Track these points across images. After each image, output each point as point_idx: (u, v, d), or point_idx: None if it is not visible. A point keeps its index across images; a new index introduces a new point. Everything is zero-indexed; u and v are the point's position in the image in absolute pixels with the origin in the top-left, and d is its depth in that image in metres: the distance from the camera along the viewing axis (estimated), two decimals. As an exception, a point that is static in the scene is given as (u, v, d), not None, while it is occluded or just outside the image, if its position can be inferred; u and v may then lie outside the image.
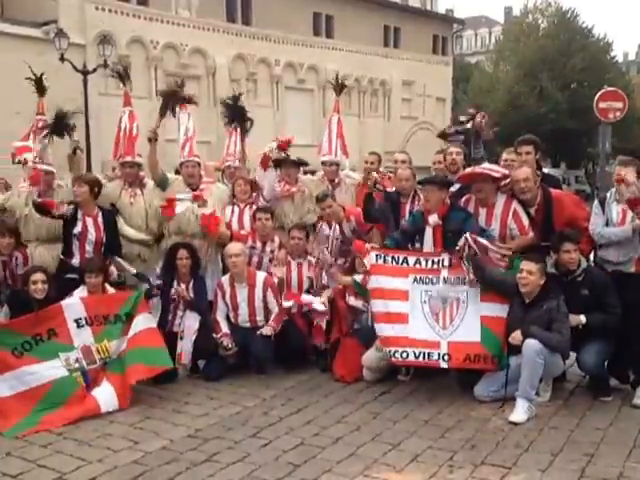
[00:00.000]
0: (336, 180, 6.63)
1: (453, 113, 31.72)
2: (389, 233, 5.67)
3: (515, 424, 4.39)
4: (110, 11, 22.80)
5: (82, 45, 21.18)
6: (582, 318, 4.71)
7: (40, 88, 6.23)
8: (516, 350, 4.67)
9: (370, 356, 5.24)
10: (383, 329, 5.00)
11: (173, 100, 6.19)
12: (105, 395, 4.84)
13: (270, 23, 26.14)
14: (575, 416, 4.56)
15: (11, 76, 18.12)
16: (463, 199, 5.41)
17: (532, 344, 4.52)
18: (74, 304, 5.10)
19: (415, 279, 5.07)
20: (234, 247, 5.62)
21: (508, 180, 5.18)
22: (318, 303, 5.69)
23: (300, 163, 6.57)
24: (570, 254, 4.79)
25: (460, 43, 48.40)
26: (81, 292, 5.27)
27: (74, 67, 18.32)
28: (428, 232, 5.24)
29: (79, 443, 4.24)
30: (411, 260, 5.12)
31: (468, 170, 5.44)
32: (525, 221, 5.14)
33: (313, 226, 6.33)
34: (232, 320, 5.67)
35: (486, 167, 5.32)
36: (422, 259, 5.11)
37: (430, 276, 5.05)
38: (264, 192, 6.31)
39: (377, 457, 3.95)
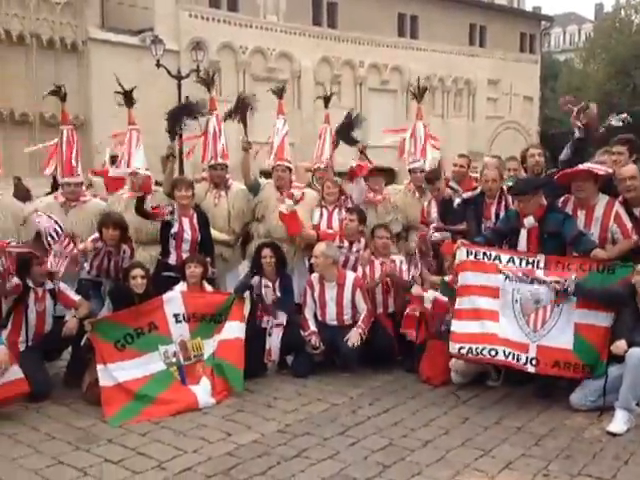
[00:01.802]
0: (423, 186, 6.61)
1: (541, 112, 30.77)
2: (470, 235, 5.57)
3: (613, 435, 4.23)
4: (202, 18, 23.61)
5: (176, 51, 22.05)
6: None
7: (129, 100, 6.44)
8: (617, 359, 4.48)
9: (459, 359, 5.18)
10: (465, 326, 4.88)
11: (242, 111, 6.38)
12: (203, 391, 4.98)
13: (355, 25, 26.23)
14: (680, 428, 4.34)
15: (112, 82, 18.99)
16: (561, 200, 5.24)
17: (637, 352, 4.32)
18: (174, 298, 5.30)
19: (507, 277, 4.92)
20: (316, 249, 5.70)
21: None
22: (418, 288, 5.62)
23: (386, 171, 6.60)
24: None
25: (548, 40, 46.77)
26: (181, 287, 5.49)
27: (169, 72, 19.10)
28: (523, 234, 5.11)
29: (176, 433, 4.40)
30: (504, 258, 5.00)
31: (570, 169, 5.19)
32: (628, 224, 4.90)
33: (397, 235, 6.35)
34: (319, 318, 5.75)
35: (588, 165, 5.08)
36: (516, 257, 4.98)
37: (524, 275, 4.89)
38: (354, 196, 6.38)
39: (468, 462, 3.90)
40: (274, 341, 5.65)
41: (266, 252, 5.78)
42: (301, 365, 5.60)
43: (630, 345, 4.38)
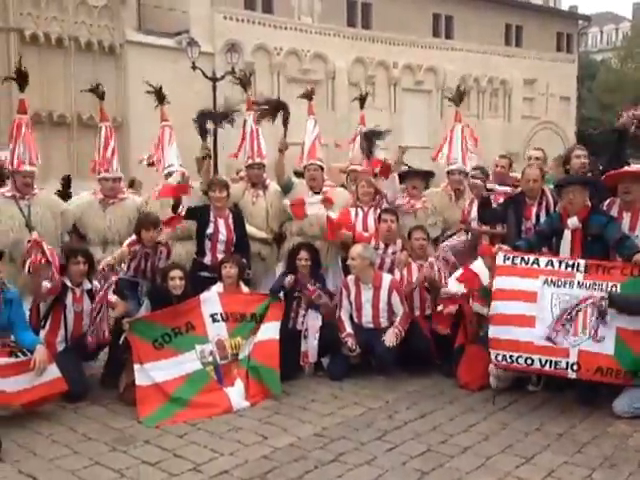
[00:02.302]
0: (461, 188, 6.54)
1: (578, 112, 30.20)
2: (509, 236, 5.47)
3: (660, 443, 4.11)
4: (237, 20, 23.77)
5: (211, 53, 22.25)
6: None
7: (160, 97, 6.53)
8: None
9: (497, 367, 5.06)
10: (502, 332, 4.77)
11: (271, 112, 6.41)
12: (237, 394, 4.96)
13: (390, 26, 26.14)
14: None
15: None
16: (606, 203, 5.10)
17: None
18: (211, 298, 5.32)
19: (545, 281, 4.80)
20: (352, 251, 5.64)
21: None
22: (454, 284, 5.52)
23: (426, 174, 6.52)
24: None
25: (585, 40, 45.93)
26: (218, 288, 5.50)
27: (204, 74, 19.26)
28: (566, 236, 4.98)
29: (212, 435, 4.38)
30: (542, 262, 4.88)
31: (620, 170, 5.04)
32: None
33: (434, 240, 6.27)
34: (355, 320, 5.70)
35: (637, 166, 4.95)
36: (555, 261, 4.85)
37: (563, 279, 4.76)
38: (388, 195, 6.31)
39: (509, 470, 3.81)
40: (311, 343, 5.62)
41: (303, 254, 5.75)
42: (337, 367, 5.56)
43: None
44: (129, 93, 20.75)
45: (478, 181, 6.30)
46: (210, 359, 5.15)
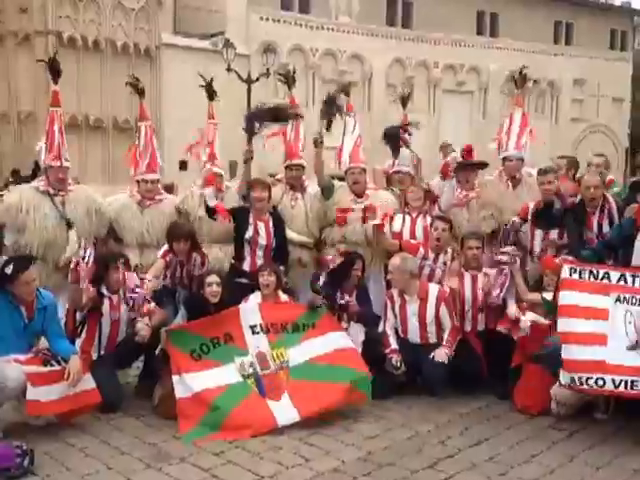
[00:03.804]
0: (517, 176, 6.07)
1: (632, 114, 29.17)
2: (571, 248, 5.08)
3: None
4: (273, 21, 23.65)
5: (246, 55, 22.10)
6: None
7: (210, 93, 6.32)
8: None
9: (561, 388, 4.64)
10: (573, 352, 4.37)
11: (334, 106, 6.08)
12: (283, 408, 4.66)
13: (431, 24, 25.65)
14: None
15: (183, 86, 19.37)
16: None
17: None
18: (251, 309, 5.08)
19: (618, 298, 4.40)
20: (392, 263, 5.31)
21: None
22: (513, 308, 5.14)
23: (480, 165, 6.13)
24: None
25: (638, 39, 44.51)
26: (256, 297, 5.24)
27: (239, 77, 19.08)
28: None
29: (251, 454, 4.13)
30: (614, 276, 4.46)
31: None
32: None
33: (491, 234, 5.85)
34: (401, 334, 5.35)
35: None
36: (628, 275, 4.44)
37: (638, 296, 4.36)
38: (441, 201, 5.95)
39: (581, 510, 3.43)
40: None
41: (359, 264, 5.48)
42: (381, 385, 5.17)
43: None
44: (163, 96, 20.78)
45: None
46: (250, 371, 4.88)
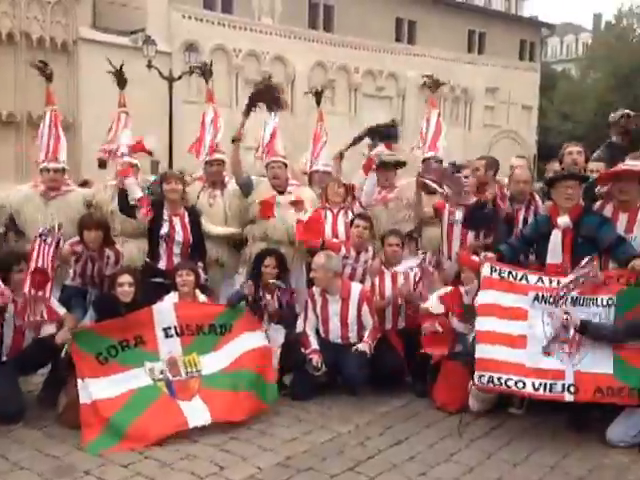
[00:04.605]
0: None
1: (539, 122, 30.46)
2: (487, 236, 5.19)
3: (663, 477, 3.74)
4: (196, 19, 23.30)
5: (168, 53, 21.66)
6: None
7: (121, 81, 6.04)
8: None
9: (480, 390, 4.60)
10: (490, 351, 4.36)
11: (263, 99, 5.88)
12: (194, 409, 4.45)
13: (352, 29, 25.91)
14: None
15: (102, 82, 18.68)
16: (597, 204, 4.75)
17: None
18: (165, 310, 4.81)
19: (536, 297, 4.43)
20: (316, 261, 5.16)
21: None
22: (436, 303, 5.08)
23: (397, 164, 6.11)
24: None
25: (545, 50, 46.74)
26: (172, 297, 5.00)
27: (160, 74, 18.63)
28: (556, 236, 4.58)
29: (161, 465, 3.89)
30: (532, 278, 4.49)
31: (615, 169, 4.69)
32: None
33: (408, 235, 5.85)
34: (322, 334, 5.23)
35: (631, 164, 4.56)
36: (545, 278, 4.47)
37: (555, 295, 4.39)
38: (362, 197, 5.89)
39: (500, 508, 3.40)
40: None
41: (269, 261, 5.27)
42: (301, 387, 5.07)
43: None
44: (81, 92, 20.02)
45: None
46: (161, 376, 4.65)
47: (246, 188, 5.86)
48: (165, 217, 5.33)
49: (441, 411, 4.76)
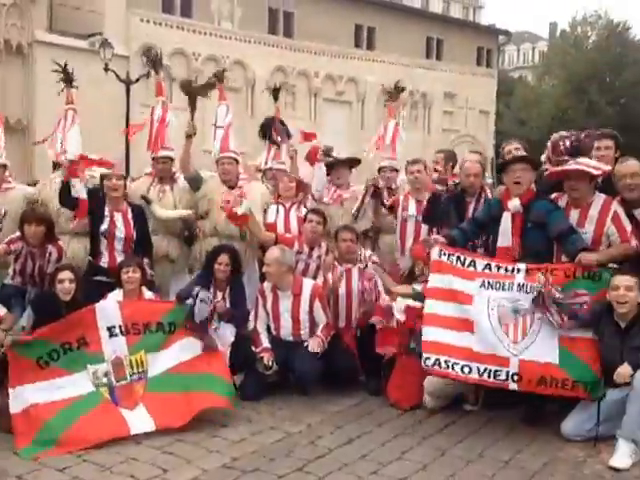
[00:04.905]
0: (393, 187, 6.08)
1: (496, 127, 30.92)
2: (440, 229, 5.07)
3: (617, 470, 3.64)
4: (155, 23, 22.96)
5: (126, 56, 21.29)
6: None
7: (67, 78, 5.79)
8: (615, 383, 3.91)
9: (433, 380, 4.51)
10: (436, 334, 4.28)
11: (197, 91, 5.79)
12: (137, 417, 4.25)
13: (311, 35, 25.87)
14: (690, 462, 3.78)
15: (56, 84, 18.30)
16: (552, 196, 4.68)
17: None
18: (109, 308, 4.58)
19: (483, 283, 4.35)
20: (268, 256, 5.01)
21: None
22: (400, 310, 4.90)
23: (352, 162, 6.02)
24: None
25: (502, 58, 47.63)
26: (117, 295, 4.78)
27: (117, 77, 18.30)
28: (506, 219, 4.52)
29: (100, 468, 3.69)
30: (480, 264, 4.42)
31: (561, 167, 4.63)
32: (627, 226, 4.36)
33: (364, 234, 5.76)
34: (273, 332, 5.07)
35: (582, 162, 4.51)
36: (493, 265, 4.41)
37: (502, 281, 4.32)
38: (313, 189, 5.78)
39: (452, 505, 3.28)
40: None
41: (223, 258, 5.08)
42: (251, 387, 4.89)
43: (635, 368, 3.81)
44: (36, 95, 19.49)
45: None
46: (104, 380, 4.43)
47: (195, 183, 5.69)
48: (106, 213, 5.12)
49: (395, 408, 4.64)
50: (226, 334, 5.00)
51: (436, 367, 4.24)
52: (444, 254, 4.48)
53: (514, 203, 4.49)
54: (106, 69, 18.08)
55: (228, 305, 5.07)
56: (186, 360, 4.55)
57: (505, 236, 4.53)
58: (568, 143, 4.85)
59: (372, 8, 27.67)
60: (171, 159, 5.77)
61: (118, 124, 19.10)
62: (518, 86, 38.29)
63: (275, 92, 6.87)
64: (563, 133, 5.06)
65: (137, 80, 18.50)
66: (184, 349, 4.59)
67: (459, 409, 4.59)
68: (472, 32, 32.20)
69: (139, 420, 4.22)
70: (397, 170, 6.18)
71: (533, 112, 31.28)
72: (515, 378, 4.10)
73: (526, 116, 32.40)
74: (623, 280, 3.95)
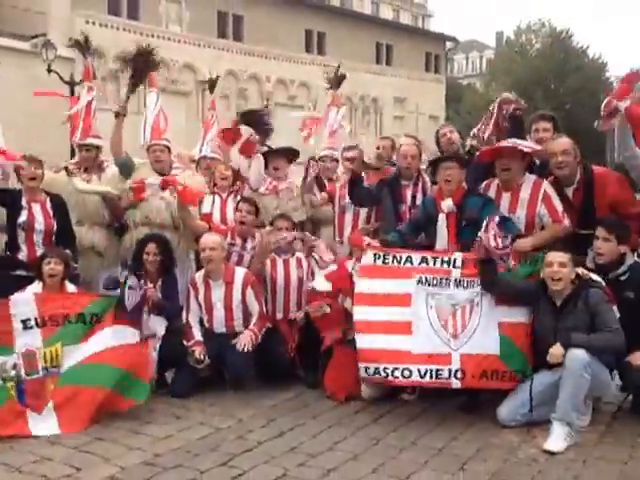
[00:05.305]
0: (334, 177, 5.94)
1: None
2: (386, 221, 4.98)
3: (552, 454, 3.54)
4: (101, 25, 22.50)
5: (71, 59, 20.66)
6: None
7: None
8: (547, 365, 3.84)
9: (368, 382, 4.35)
10: (371, 341, 4.12)
11: (142, 65, 5.58)
12: (42, 421, 3.99)
13: (262, 39, 25.79)
14: (624, 444, 3.70)
15: (4, 87, 17.74)
16: (482, 185, 4.64)
17: (578, 355, 3.65)
18: (25, 300, 4.31)
19: (420, 280, 4.24)
20: (210, 239, 4.81)
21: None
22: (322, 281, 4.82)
23: (288, 152, 5.85)
24: (598, 242, 3.98)
25: (452, 66, 48.44)
26: (35, 288, 4.49)
27: (61, 78, 17.79)
28: (442, 220, 4.46)
29: (8, 469, 3.42)
30: (416, 259, 4.30)
31: (492, 145, 4.60)
32: (558, 205, 4.32)
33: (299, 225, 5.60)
34: (206, 324, 4.84)
35: (514, 141, 4.46)
36: (429, 257, 4.30)
37: (439, 277, 4.22)
38: (250, 181, 5.59)
39: (381, 494, 3.11)
40: (150, 355, 4.64)
41: (151, 248, 4.83)
42: (181, 383, 4.64)
43: (566, 347, 3.73)
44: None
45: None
46: (12, 373, 4.13)
47: (125, 169, 5.41)
48: (23, 204, 4.80)
49: (331, 400, 4.47)
50: (156, 327, 4.76)
51: (376, 376, 4.10)
52: (378, 257, 4.34)
53: (447, 203, 4.43)
54: (49, 70, 17.60)
55: (159, 296, 4.83)
56: (100, 350, 4.28)
57: (441, 237, 4.47)
58: (511, 109, 4.81)
59: (322, 14, 27.81)
60: (97, 147, 5.49)
61: (62, 126, 18.53)
62: (466, 93, 38.95)
63: (211, 82, 6.69)
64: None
65: (81, 81, 18.04)
66: (102, 340, 4.32)
67: (396, 399, 4.44)
68: (420, 38, 32.71)
69: (44, 422, 3.98)
70: (337, 161, 6.05)
71: (481, 117, 31.73)
72: (458, 375, 3.98)
73: (475, 122, 32.79)
74: (557, 256, 3.89)
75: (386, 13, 35.35)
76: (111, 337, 4.33)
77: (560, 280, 3.86)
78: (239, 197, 5.45)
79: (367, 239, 4.64)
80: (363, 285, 4.30)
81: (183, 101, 24.08)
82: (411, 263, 4.30)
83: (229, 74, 25.05)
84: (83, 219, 5.29)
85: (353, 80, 28.20)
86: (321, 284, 4.77)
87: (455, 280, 4.21)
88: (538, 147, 4.49)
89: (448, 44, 34.48)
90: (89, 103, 5.58)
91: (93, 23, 22.29)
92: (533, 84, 31.91)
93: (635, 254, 4.20)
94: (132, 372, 4.22)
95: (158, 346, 4.70)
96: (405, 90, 30.30)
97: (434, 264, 4.27)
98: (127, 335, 4.40)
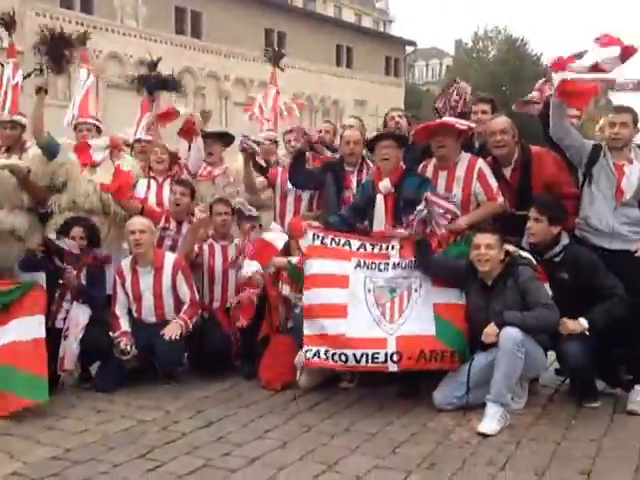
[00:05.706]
0: (273, 160, 5.70)
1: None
2: (329, 206, 4.82)
3: (485, 436, 3.40)
4: (52, 17, 21.80)
5: (19, 52, 20.00)
6: (583, 322, 3.65)
7: None
8: (482, 346, 3.70)
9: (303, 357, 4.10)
10: (314, 325, 3.97)
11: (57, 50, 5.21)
12: None
13: (220, 38, 25.43)
14: (559, 426, 3.58)
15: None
16: (421, 165, 4.52)
17: (511, 333, 3.53)
18: None
19: (358, 263, 4.09)
20: (138, 221, 4.52)
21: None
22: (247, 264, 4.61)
23: (223, 136, 5.61)
24: (530, 222, 3.86)
25: (412, 73, 48.80)
26: None
27: (8, 72, 17.17)
28: (379, 201, 4.33)
29: None
30: (355, 244, 4.17)
31: (428, 123, 4.50)
32: (493, 183, 4.24)
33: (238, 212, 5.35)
34: (135, 314, 4.54)
35: (447, 118, 4.39)
36: (367, 244, 4.18)
37: (377, 261, 4.09)
38: (190, 165, 5.35)
39: (305, 482, 2.87)
40: (70, 346, 4.31)
41: (76, 231, 4.50)
42: (106, 377, 4.33)
43: (500, 326, 3.60)
44: None
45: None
46: None
47: (50, 150, 5.04)
48: None
49: (267, 390, 4.23)
50: (79, 316, 4.43)
51: (316, 359, 3.91)
52: (317, 237, 4.20)
53: (384, 184, 4.31)
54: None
55: (84, 283, 4.50)
56: (6, 344, 3.95)
57: (379, 219, 4.35)
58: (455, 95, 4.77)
59: (283, 13, 27.60)
60: (21, 125, 5.12)
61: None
62: (426, 98, 39.23)
63: (150, 67, 6.46)
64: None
65: (28, 75, 17.44)
66: (6, 333, 3.98)
67: (335, 387, 4.24)
68: (381, 42, 32.84)
69: None
70: (277, 142, 5.83)
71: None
72: (394, 358, 3.78)
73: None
74: (484, 238, 3.77)
75: (348, 17, 35.39)
76: (13, 332, 3.99)
77: (488, 261, 3.75)
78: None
79: (307, 222, 4.46)
80: (309, 268, 4.14)
81: (139, 98, 23.64)
82: (349, 247, 4.18)
83: (186, 71, 24.60)
84: (2, 201, 4.92)
85: (314, 81, 28.22)
86: (248, 266, 4.55)
87: (394, 264, 4.08)
88: (473, 125, 4.41)
89: (408, 49, 34.71)
90: (12, 81, 5.22)
91: (44, 15, 21.62)
92: (490, 88, 32.25)
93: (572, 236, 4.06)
94: (27, 369, 3.88)
95: (80, 337, 4.37)
96: (365, 93, 30.30)
97: (372, 249, 4.17)
98: (32, 328, 4.03)
